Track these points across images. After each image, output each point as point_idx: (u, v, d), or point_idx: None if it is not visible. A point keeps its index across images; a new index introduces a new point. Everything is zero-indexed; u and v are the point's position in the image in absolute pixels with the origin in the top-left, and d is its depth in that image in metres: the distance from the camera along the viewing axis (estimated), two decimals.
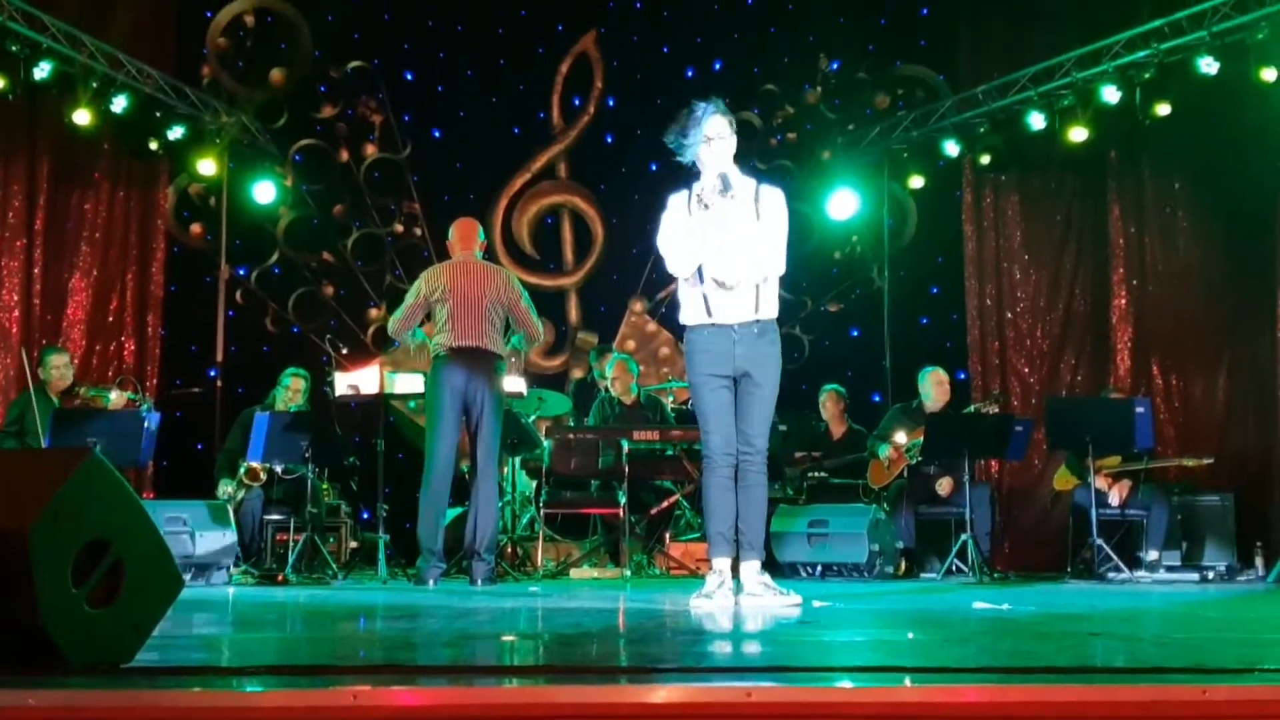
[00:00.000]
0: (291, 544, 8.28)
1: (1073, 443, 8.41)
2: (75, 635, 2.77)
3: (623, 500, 8.59)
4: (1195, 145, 9.57)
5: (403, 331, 7.64)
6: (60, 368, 8.43)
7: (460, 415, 7.32)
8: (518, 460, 8.98)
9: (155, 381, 10.18)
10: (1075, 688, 2.56)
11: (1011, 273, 10.67)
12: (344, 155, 11.45)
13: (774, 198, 5.35)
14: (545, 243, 12.03)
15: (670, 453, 9.07)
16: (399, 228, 11.59)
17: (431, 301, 7.46)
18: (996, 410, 8.81)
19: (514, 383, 8.49)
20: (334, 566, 8.18)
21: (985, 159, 10.49)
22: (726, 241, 5.21)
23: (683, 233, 5.27)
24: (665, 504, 9.31)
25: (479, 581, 7.16)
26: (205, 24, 11.00)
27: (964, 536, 8.04)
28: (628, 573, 8.39)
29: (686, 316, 5.37)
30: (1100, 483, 8.34)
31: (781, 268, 5.30)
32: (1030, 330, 10.60)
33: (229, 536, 7.58)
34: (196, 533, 7.37)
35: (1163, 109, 9.17)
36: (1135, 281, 10.12)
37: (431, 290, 7.46)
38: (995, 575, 8.22)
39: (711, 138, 5.22)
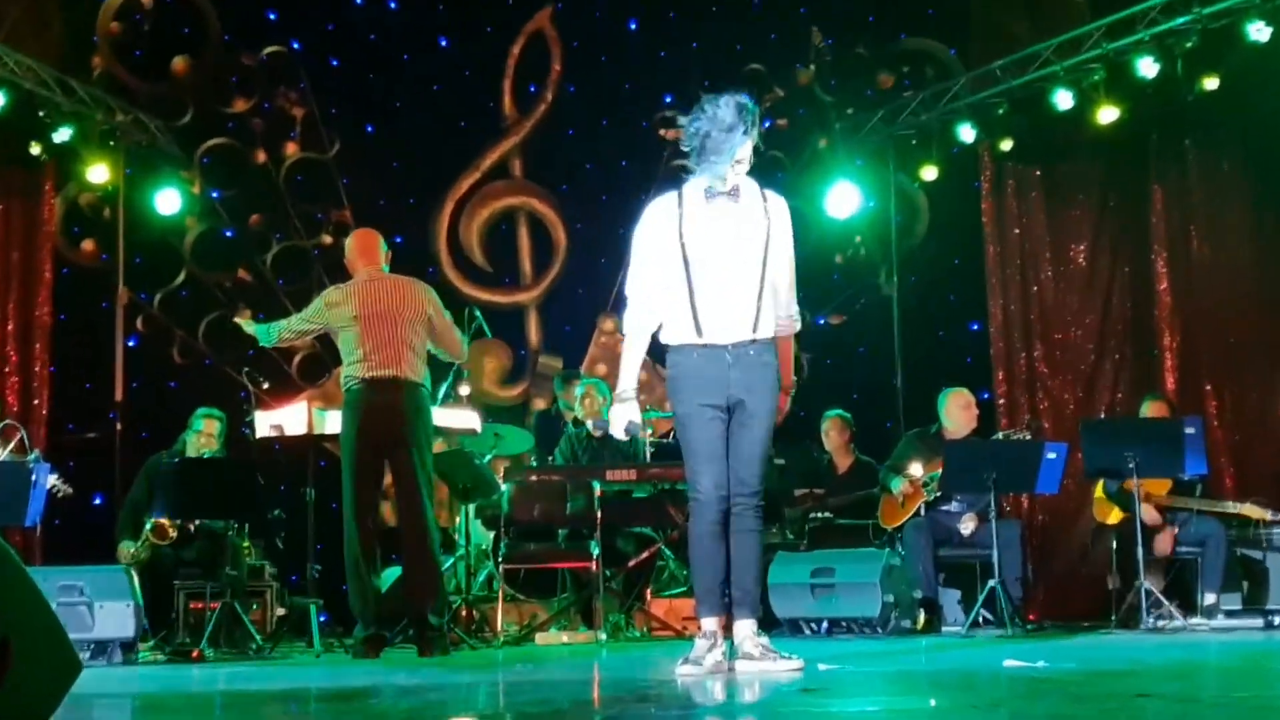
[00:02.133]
0: (208, 613, 8.23)
1: (1114, 470, 8.42)
2: None
3: (595, 551, 8.56)
4: (1247, 123, 9.67)
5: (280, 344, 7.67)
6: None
7: (380, 457, 7.31)
8: (471, 508, 8.95)
9: (44, 427, 10.12)
10: None
11: (1039, 275, 10.73)
12: (261, 156, 11.46)
13: (785, 216, 5.33)
14: (499, 253, 12.06)
15: (649, 494, 9.07)
16: (327, 239, 11.58)
17: (335, 328, 7.46)
18: (1029, 437, 8.83)
19: (465, 418, 8.48)
20: (258, 639, 8.13)
21: (1006, 144, 10.56)
22: (725, 255, 5.19)
23: (656, 282, 5.26)
24: (645, 554, 9.28)
25: (430, 653, 7.14)
26: (95, 7, 11.00)
27: (991, 582, 8.04)
28: (603, 636, 8.38)
29: (671, 335, 5.33)
30: (1148, 514, 8.36)
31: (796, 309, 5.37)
32: (1062, 341, 10.66)
33: (133, 607, 7.53)
34: (95, 604, 7.30)
35: (1210, 83, 9.24)
36: (1182, 282, 10.18)
37: (335, 314, 7.46)
38: (1028, 627, 8.24)
39: (740, 161, 5.21)
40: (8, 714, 2.87)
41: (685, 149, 5.31)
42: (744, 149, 5.17)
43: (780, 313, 5.30)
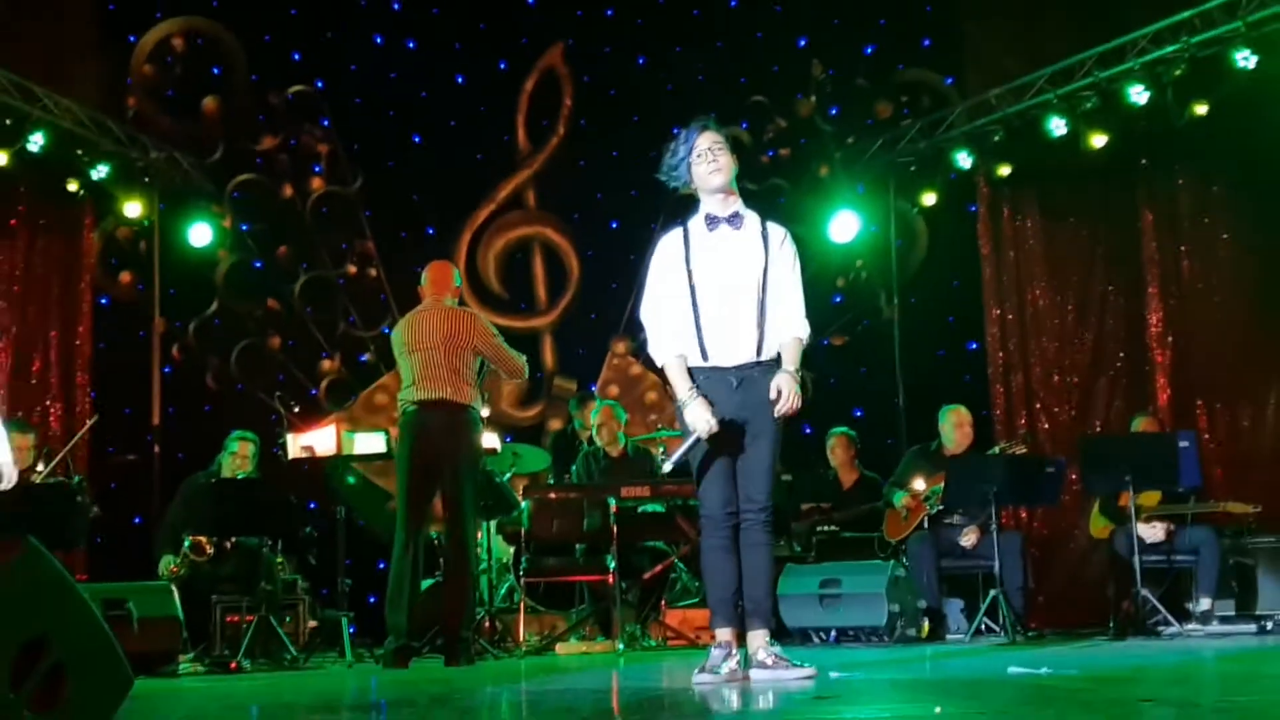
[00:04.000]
0: (244, 626, 8.26)
1: (1110, 484, 8.41)
2: None
3: (612, 565, 8.58)
4: (1234, 148, 9.64)
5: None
6: (23, 449, 8.43)
7: (430, 476, 7.37)
8: (493, 524, 8.98)
9: (86, 450, 10.15)
10: None
11: (1034, 296, 10.73)
12: (288, 191, 11.51)
13: (784, 243, 5.37)
14: (515, 280, 12.09)
15: (663, 510, 9.09)
16: (352, 269, 11.64)
17: (399, 358, 7.58)
18: (1024, 450, 8.84)
19: (485, 438, 8.51)
20: (292, 650, 8.15)
21: (1002, 170, 10.57)
22: (727, 280, 5.24)
23: (667, 313, 5.31)
24: (659, 568, 9.31)
25: (457, 663, 7.17)
26: (129, 50, 11.07)
27: (993, 592, 8.06)
28: (620, 646, 8.38)
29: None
30: (1143, 529, 8.37)
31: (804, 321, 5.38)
32: (1058, 359, 10.66)
33: (175, 621, 7.56)
34: (138, 618, 7.34)
35: (1200, 109, 9.24)
36: (1172, 301, 10.19)
37: (397, 346, 7.61)
38: (1030, 634, 8.25)
39: (701, 151, 5.27)
40: None
41: (671, 185, 5.41)
42: (702, 138, 5.27)
43: (788, 327, 5.31)
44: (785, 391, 5.22)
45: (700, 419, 5.16)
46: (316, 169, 11.66)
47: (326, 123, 11.66)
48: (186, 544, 8.54)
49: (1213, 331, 10.11)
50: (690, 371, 5.28)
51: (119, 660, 3.08)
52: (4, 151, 9.40)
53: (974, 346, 10.99)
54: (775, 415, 5.26)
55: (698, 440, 5.22)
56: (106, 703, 3.04)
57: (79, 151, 9.98)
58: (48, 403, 10.17)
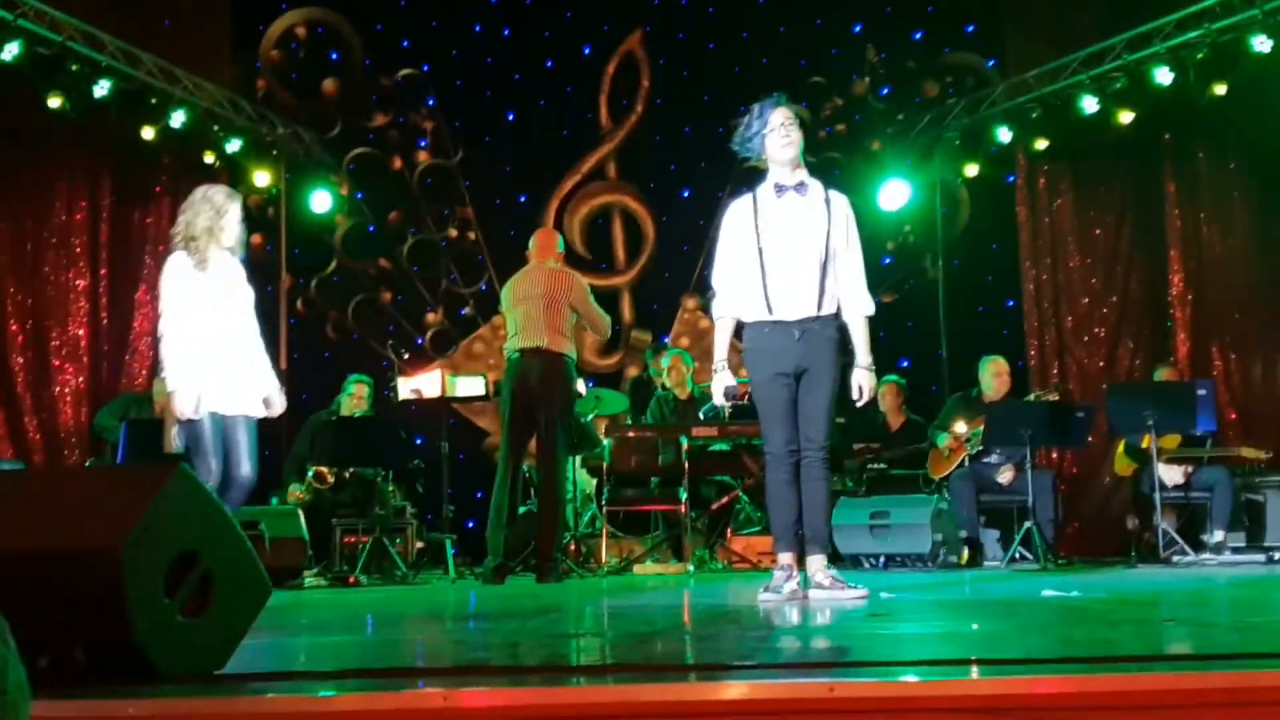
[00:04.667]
0: (360, 546, 8.37)
1: (1134, 427, 8.33)
2: (168, 646, 2.83)
3: (683, 496, 8.61)
4: (1251, 126, 9.47)
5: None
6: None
7: (530, 416, 7.41)
8: (578, 459, 9.02)
9: None
10: (1159, 676, 2.55)
11: (1067, 258, 10.58)
12: (397, 163, 11.55)
13: (846, 210, 5.32)
14: (597, 243, 12.06)
15: (729, 448, 9.09)
16: (453, 232, 11.67)
17: (505, 311, 7.66)
18: (1057, 397, 8.75)
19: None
20: (402, 567, 8.26)
21: (1039, 144, 10.41)
22: (793, 242, 5.20)
23: (736, 276, 5.28)
24: (725, 499, 9.33)
25: (547, 580, 7.23)
26: (258, 37, 11.14)
27: (1027, 524, 8.00)
28: (690, 567, 8.42)
29: (747, 314, 5.33)
30: (1163, 469, 8.29)
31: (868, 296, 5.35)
32: (1088, 315, 10.52)
33: (301, 541, 7.68)
34: (269, 538, 7.46)
35: (1219, 89, 9.06)
36: (1193, 264, 10.02)
37: (505, 301, 7.69)
38: (1059, 562, 8.18)
39: (775, 126, 5.23)
40: (213, 630, 2.95)
41: (744, 157, 5.38)
42: (775, 114, 5.22)
43: (851, 298, 5.28)
44: (865, 388, 5.29)
45: (719, 389, 5.25)
46: (422, 143, 11.68)
47: (431, 102, 11.66)
48: (310, 474, 8.66)
49: (1229, 291, 9.95)
50: (755, 325, 5.27)
51: (259, 573, 3.12)
52: (150, 127, 9.49)
53: (1011, 304, 10.86)
54: (858, 405, 5.33)
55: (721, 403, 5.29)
56: (248, 609, 3.09)
57: (215, 128, 10.05)
58: None
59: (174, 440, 5.68)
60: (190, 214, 5.64)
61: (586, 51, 12.10)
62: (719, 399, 5.31)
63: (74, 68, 8.76)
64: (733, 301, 5.30)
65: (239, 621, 3.04)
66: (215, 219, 5.64)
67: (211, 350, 5.55)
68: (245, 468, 5.58)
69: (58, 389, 9.46)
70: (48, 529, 2.88)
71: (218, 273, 5.64)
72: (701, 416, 9.18)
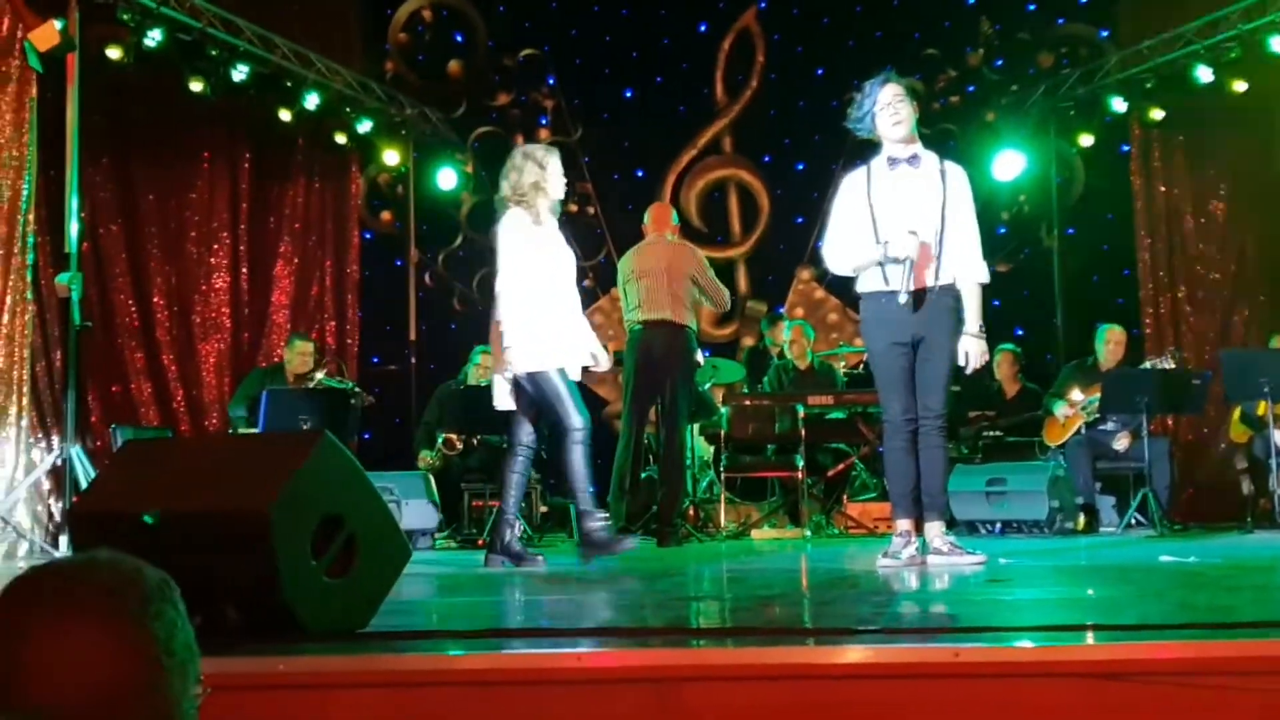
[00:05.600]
0: (487, 510, 8.47)
1: (1249, 394, 8.11)
2: (314, 605, 2.90)
3: (800, 463, 8.57)
4: None
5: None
6: (305, 354, 8.76)
7: (653, 386, 7.43)
8: (696, 427, 9.02)
9: (355, 361, 10.49)
10: (1275, 642, 2.48)
11: (1182, 226, 10.32)
12: (519, 140, 11.58)
13: (960, 181, 5.23)
14: (713, 216, 12.02)
15: (844, 416, 9.02)
16: (573, 207, 11.68)
17: (625, 284, 7.62)
18: (1173, 365, 8.53)
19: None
20: (528, 530, 8.34)
21: (1155, 114, 10.12)
22: (908, 214, 5.13)
23: (850, 242, 5.21)
24: (841, 466, 9.27)
25: (668, 544, 7.26)
26: (386, 21, 11.28)
27: (1143, 490, 7.83)
28: (807, 533, 8.38)
29: (863, 284, 5.29)
30: (1278, 435, 8.04)
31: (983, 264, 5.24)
32: (1203, 283, 10.26)
33: (432, 504, 7.81)
34: (403, 502, 7.59)
35: None
36: None
37: (624, 273, 7.64)
38: (1175, 528, 7.99)
39: (885, 103, 5.16)
40: (357, 591, 3.01)
41: (857, 133, 5.31)
42: (885, 91, 5.14)
43: (965, 266, 5.19)
44: (973, 354, 5.17)
45: (898, 247, 5.04)
46: (543, 121, 11.73)
47: (552, 81, 11.71)
48: (440, 440, 8.78)
49: None
50: (872, 295, 5.21)
51: (399, 535, 3.18)
52: (286, 109, 9.67)
53: (1126, 273, 10.60)
54: (967, 372, 5.19)
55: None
56: (390, 570, 3.14)
57: (347, 109, 10.17)
58: (324, 320, 10.46)
59: (505, 397, 5.75)
60: (515, 174, 5.73)
61: (702, 28, 12.03)
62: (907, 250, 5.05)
63: (213, 52, 8.92)
64: (841, 263, 5.25)
65: (381, 583, 3.10)
66: (540, 173, 5.72)
67: (550, 306, 5.61)
68: (576, 419, 5.60)
69: (200, 360, 9.71)
70: (203, 492, 2.97)
71: (551, 230, 5.71)
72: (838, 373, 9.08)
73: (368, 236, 10.99)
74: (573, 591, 4.62)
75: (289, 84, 9.58)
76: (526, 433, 5.83)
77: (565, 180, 5.86)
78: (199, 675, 1.42)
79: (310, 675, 2.53)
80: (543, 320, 5.58)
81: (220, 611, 2.84)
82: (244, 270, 10.00)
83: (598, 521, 5.64)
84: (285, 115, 9.69)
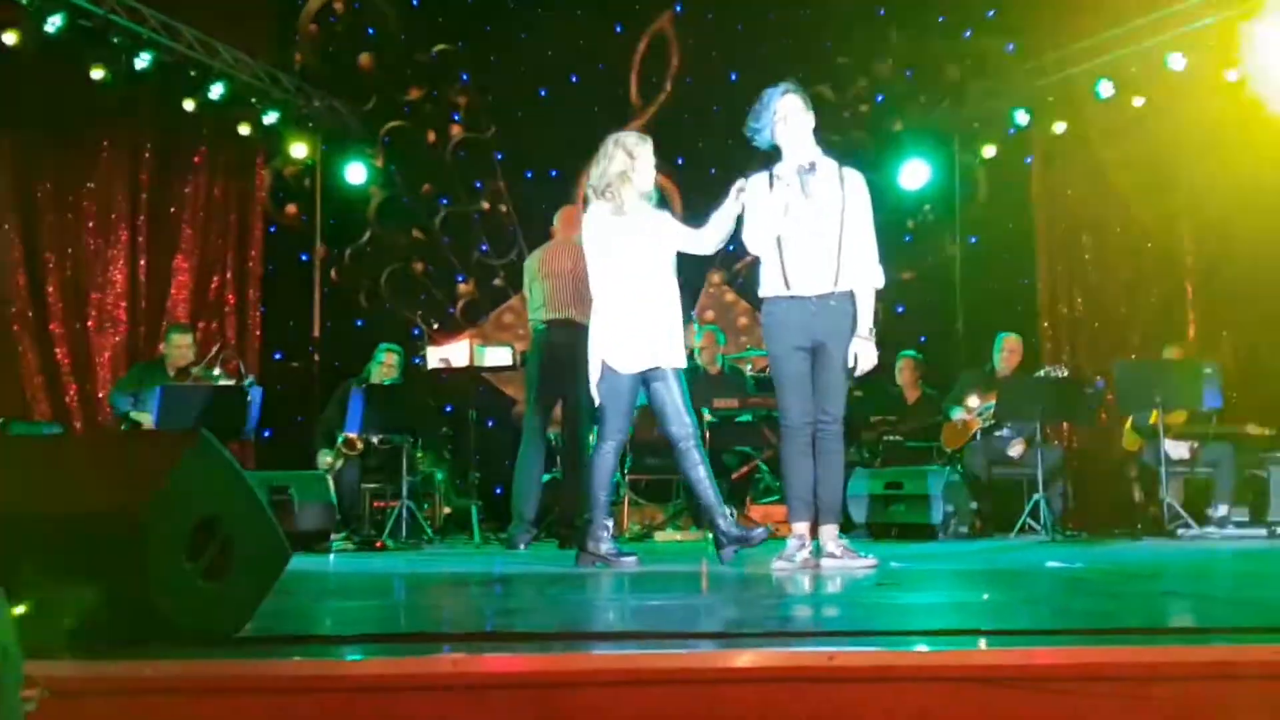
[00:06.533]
0: (388, 511, 8.39)
1: (1142, 404, 8.30)
2: (189, 608, 2.82)
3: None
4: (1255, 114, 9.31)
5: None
6: (183, 346, 8.59)
7: (555, 385, 7.40)
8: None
9: (256, 356, 10.32)
10: (1150, 649, 2.53)
11: (1080, 238, 10.52)
12: (431, 136, 11.50)
13: (859, 187, 5.28)
14: None
15: (750, 419, 9.06)
16: (485, 205, 11.63)
17: (531, 283, 7.63)
18: (1067, 374, 8.69)
19: None
20: (429, 532, 8.28)
21: (1057, 127, 10.28)
22: (809, 216, 5.16)
23: (761, 209, 5.26)
24: (745, 468, 9.29)
25: (569, 546, 7.24)
26: (297, 11, 11.09)
27: (1036, 496, 7.96)
28: (710, 535, 8.37)
29: (765, 289, 5.33)
30: (1169, 444, 8.25)
31: (879, 268, 5.29)
32: (1100, 293, 10.45)
33: (329, 506, 7.70)
34: (298, 502, 7.48)
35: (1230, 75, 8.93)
36: (1205, 246, 9.90)
37: (530, 272, 7.68)
38: (1067, 534, 8.13)
39: (784, 115, 5.20)
40: (236, 593, 2.95)
41: (754, 142, 5.36)
42: (783, 103, 5.21)
43: (859, 267, 5.23)
44: (863, 357, 5.22)
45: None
46: (456, 117, 11.62)
47: (466, 77, 11.62)
48: (340, 440, 8.66)
49: (1239, 271, 9.80)
50: (773, 300, 5.26)
51: (279, 537, 3.11)
52: (190, 99, 9.48)
53: (1026, 282, 10.78)
54: (855, 375, 5.26)
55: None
56: (268, 573, 3.08)
57: (253, 100, 10.00)
58: (225, 314, 10.28)
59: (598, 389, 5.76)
60: (605, 162, 5.65)
61: (618, 30, 12.02)
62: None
63: (115, 40, 8.73)
64: (753, 237, 5.35)
65: (259, 586, 3.03)
66: (629, 162, 5.64)
67: (625, 305, 5.53)
68: (674, 425, 5.56)
69: (95, 354, 9.50)
70: (73, 492, 2.88)
71: (632, 222, 5.59)
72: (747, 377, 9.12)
73: (272, 230, 10.79)
74: (465, 596, 4.58)
75: (194, 73, 9.39)
76: (618, 428, 5.71)
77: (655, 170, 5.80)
78: (20, 679, 1.37)
79: (179, 679, 2.47)
80: (614, 322, 5.62)
81: (90, 614, 2.76)
82: (142, 262, 9.80)
83: (726, 519, 5.65)
84: (189, 105, 9.49)
